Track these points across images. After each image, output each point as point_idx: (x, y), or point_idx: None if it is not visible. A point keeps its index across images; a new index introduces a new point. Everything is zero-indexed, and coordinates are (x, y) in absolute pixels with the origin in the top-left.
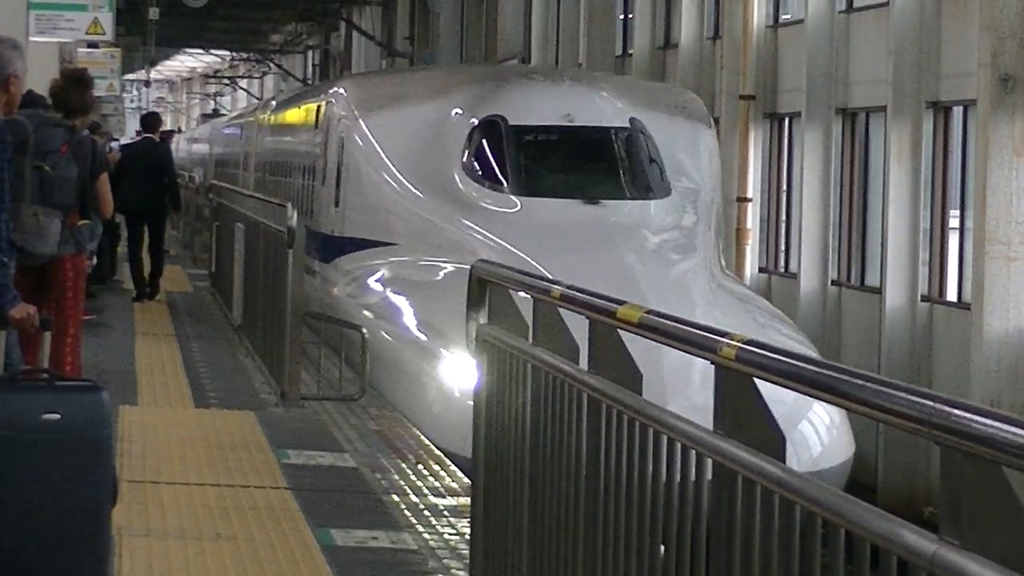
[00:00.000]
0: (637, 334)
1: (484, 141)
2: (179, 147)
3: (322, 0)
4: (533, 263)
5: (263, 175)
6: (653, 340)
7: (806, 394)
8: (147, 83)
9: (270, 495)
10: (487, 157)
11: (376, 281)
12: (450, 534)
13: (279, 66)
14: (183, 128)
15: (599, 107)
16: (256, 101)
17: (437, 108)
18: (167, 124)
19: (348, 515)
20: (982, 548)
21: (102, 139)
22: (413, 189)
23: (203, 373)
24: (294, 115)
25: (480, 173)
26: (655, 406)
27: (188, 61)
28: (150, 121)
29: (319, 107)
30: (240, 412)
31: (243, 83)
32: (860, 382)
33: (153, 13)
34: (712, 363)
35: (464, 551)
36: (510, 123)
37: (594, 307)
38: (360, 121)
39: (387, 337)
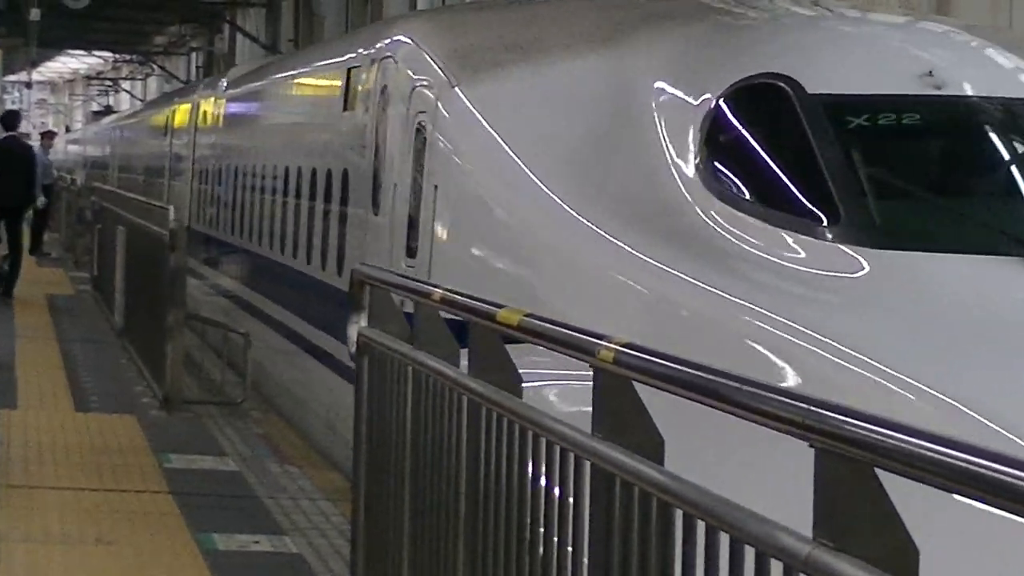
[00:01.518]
0: (516, 337)
1: (751, 131)
2: (67, 150)
3: (206, 2)
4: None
5: (214, 188)
6: (530, 342)
7: (683, 397)
8: (28, 85)
9: (152, 499)
10: (763, 164)
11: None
12: (333, 537)
13: (162, 68)
14: (70, 128)
15: (985, 62)
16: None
17: (617, 67)
18: (49, 125)
19: (230, 519)
20: (855, 549)
21: None
22: (593, 226)
23: (84, 376)
24: (286, 92)
25: (751, 197)
26: (534, 409)
27: (71, 63)
28: (11, 119)
29: (353, 74)
30: (122, 416)
31: (126, 85)
32: (735, 384)
33: (34, 14)
34: (591, 366)
35: (346, 554)
36: (808, 91)
37: (473, 310)
38: (460, 93)
39: None
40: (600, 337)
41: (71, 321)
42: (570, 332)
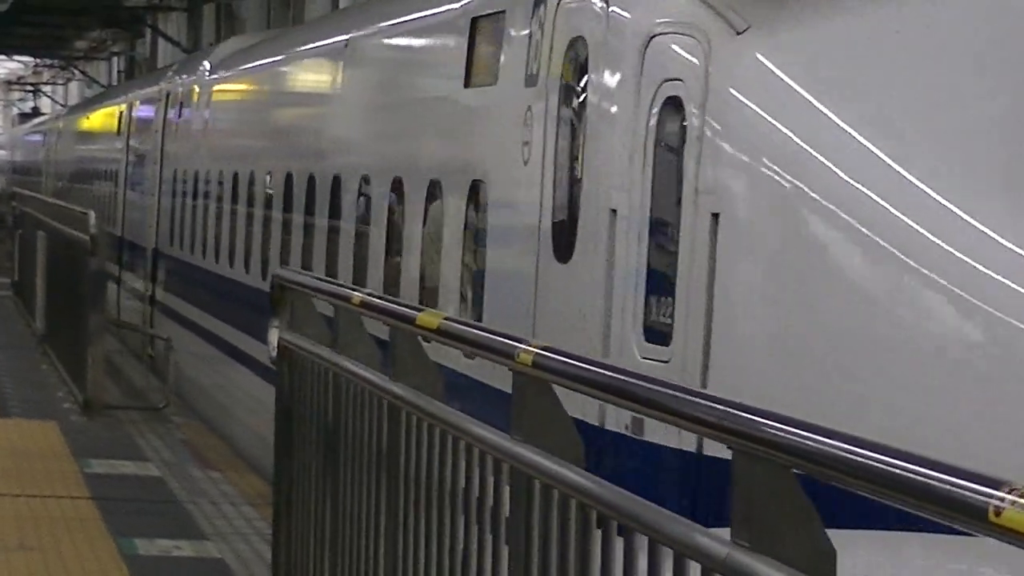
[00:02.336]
0: (437, 341)
1: None
2: None
3: (127, 6)
4: None
5: (202, 204)
6: (451, 346)
7: (602, 400)
8: None
9: (73, 505)
10: None
11: None
12: (255, 542)
13: (83, 72)
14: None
15: None
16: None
17: None
18: None
19: (152, 524)
20: (772, 550)
21: None
22: None
23: (5, 382)
24: (329, 70)
25: None
26: (454, 412)
27: None
28: None
29: (486, 26)
30: (43, 421)
31: (47, 90)
32: (654, 387)
33: None
34: (509, 369)
35: (269, 558)
36: None
37: (394, 314)
38: (754, 45)
39: None
40: (519, 341)
41: None
42: (488, 335)
